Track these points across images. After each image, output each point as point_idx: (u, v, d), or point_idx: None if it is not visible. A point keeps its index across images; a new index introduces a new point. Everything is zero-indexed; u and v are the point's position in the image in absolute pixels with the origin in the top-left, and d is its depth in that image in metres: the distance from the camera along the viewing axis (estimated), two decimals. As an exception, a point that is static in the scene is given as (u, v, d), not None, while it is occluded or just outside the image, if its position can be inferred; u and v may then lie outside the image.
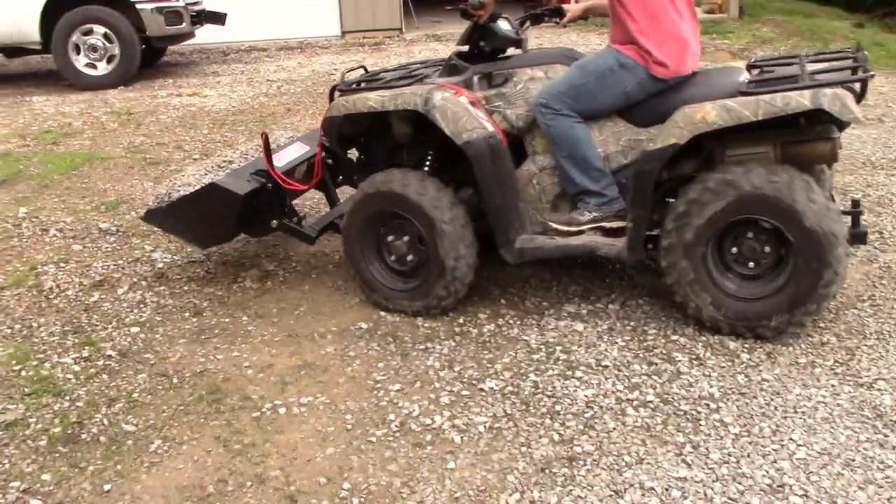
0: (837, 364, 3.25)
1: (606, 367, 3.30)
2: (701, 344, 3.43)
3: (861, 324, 3.56)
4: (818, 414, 2.94)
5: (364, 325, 3.73)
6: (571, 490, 2.61)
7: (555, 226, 3.62)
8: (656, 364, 3.30)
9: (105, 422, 3.07)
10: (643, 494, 2.57)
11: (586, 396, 3.10)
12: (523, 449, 2.83)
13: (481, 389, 3.18)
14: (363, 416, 3.05)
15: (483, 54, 3.79)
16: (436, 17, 14.72)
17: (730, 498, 2.54)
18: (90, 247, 4.76)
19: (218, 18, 10.76)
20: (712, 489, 2.58)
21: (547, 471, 2.71)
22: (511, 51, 3.87)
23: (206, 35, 11.07)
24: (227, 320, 3.84)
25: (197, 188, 3.87)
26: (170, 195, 3.99)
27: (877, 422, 2.88)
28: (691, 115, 3.22)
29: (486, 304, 3.87)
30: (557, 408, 3.05)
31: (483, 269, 4.23)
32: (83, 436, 3.00)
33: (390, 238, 3.79)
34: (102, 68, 9.54)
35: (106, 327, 3.82)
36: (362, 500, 2.62)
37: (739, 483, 2.60)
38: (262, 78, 9.93)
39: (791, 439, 2.80)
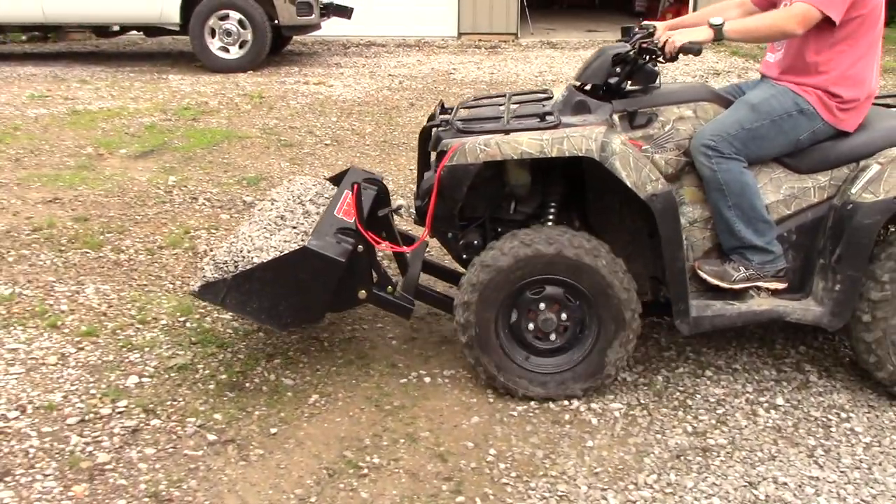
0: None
1: (737, 370, 3.44)
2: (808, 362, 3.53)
3: None
4: (949, 433, 3.02)
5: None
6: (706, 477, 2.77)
7: (704, 276, 3.15)
8: (786, 372, 3.43)
9: (265, 374, 3.35)
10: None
11: (716, 394, 3.25)
12: (658, 436, 2.99)
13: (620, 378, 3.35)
14: (504, 392, 3.24)
15: (610, 90, 3.24)
16: (550, 24, 14.88)
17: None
18: (236, 217, 5.09)
19: (344, 12, 11.16)
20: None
21: (682, 458, 2.87)
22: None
23: (328, 28, 11.44)
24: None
25: (278, 254, 3.04)
26: (235, 262, 3.09)
27: None
28: None
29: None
30: (689, 402, 3.20)
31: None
32: (247, 384, 3.27)
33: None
34: (234, 52, 10.01)
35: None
36: (507, 465, 2.82)
37: (871, 488, 2.71)
38: (384, 72, 10.26)
39: (922, 453, 2.90)
